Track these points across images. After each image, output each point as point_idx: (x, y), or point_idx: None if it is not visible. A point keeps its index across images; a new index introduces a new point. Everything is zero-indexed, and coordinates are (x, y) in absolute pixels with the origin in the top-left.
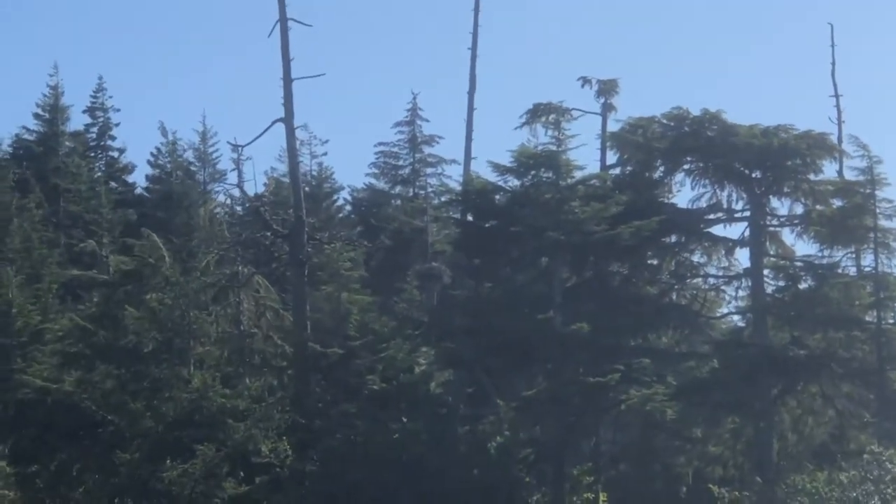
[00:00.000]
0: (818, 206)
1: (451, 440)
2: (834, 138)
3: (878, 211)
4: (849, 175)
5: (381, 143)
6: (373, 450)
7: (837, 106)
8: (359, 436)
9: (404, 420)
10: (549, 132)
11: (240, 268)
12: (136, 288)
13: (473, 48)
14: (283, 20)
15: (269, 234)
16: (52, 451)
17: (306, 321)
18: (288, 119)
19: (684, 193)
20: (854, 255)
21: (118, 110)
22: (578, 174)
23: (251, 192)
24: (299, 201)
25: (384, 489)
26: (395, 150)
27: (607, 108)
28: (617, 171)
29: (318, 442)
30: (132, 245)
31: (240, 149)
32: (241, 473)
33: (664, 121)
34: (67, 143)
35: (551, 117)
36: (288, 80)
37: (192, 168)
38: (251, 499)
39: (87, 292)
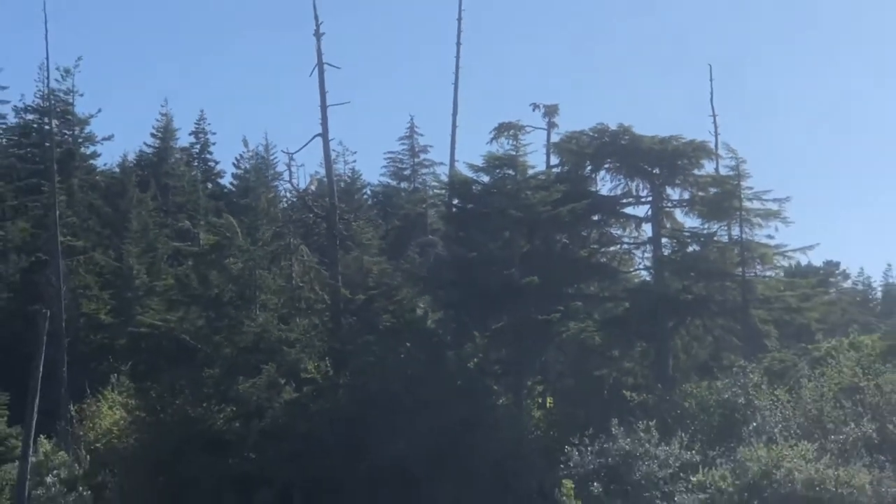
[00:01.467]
0: (700, 193)
1: (442, 361)
2: (712, 145)
3: (742, 196)
4: (722, 170)
5: (389, 152)
6: (386, 368)
7: (714, 122)
8: (376, 358)
9: (408, 345)
10: (510, 142)
11: (291, 240)
12: (218, 254)
13: (456, 82)
14: (321, 64)
15: (311, 215)
16: (160, 370)
17: (338, 277)
18: (325, 134)
19: (605, 185)
20: (726, 228)
21: (214, 133)
22: (531, 171)
23: (301, 187)
24: (333, 193)
25: (394, 395)
26: (400, 156)
27: (551, 125)
28: (558, 169)
29: (348, 362)
30: (216, 224)
31: (290, 155)
32: (293, 384)
33: (591, 133)
34: (176, 155)
35: (511, 132)
36: (324, 107)
37: (262, 168)
38: (300, 403)
39: (184, 258)
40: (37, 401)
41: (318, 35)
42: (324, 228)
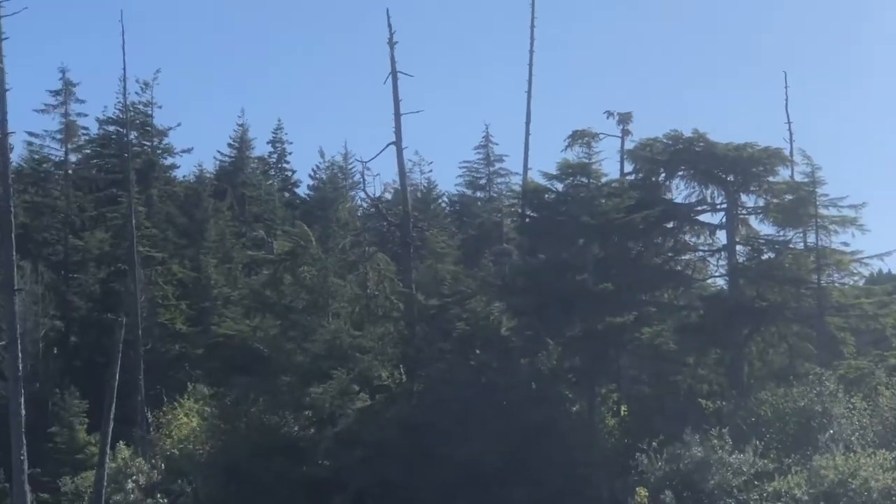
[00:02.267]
0: (775, 200)
1: (515, 368)
2: (787, 151)
3: (818, 203)
4: (798, 177)
5: (465, 161)
6: (459, 375)
7: (790, 129)
8: (449, 365)
9: (479, 352)
10: (583, 150)
11: (367, 248)
12: (292, 263)
13: (529, 90)
14: (394, 72)
15: (385, 223)
16: (235, 378)
17: (412, 284)
18: (398, 143)
19: (680, 192)
20: (801, 234)
21: (291, 143)
22: (604, 179)
23: (376, 196)
24: (406, 201)
25: (467, 402)
26: (476, 165)
27: (624, 133)
28: (632, 177)
29: (420, 369)
30: (290, 233)
31: (364, 164)
32: (367, 391)
33: (665, 140)
34: (252, 165)
35: (585, 140)
36: (398, 115)
37: (339, 178)
38: (373, 410)
39: (259, 267)
40: (112, 408)
41: (391, 44)
42: (398, 236)
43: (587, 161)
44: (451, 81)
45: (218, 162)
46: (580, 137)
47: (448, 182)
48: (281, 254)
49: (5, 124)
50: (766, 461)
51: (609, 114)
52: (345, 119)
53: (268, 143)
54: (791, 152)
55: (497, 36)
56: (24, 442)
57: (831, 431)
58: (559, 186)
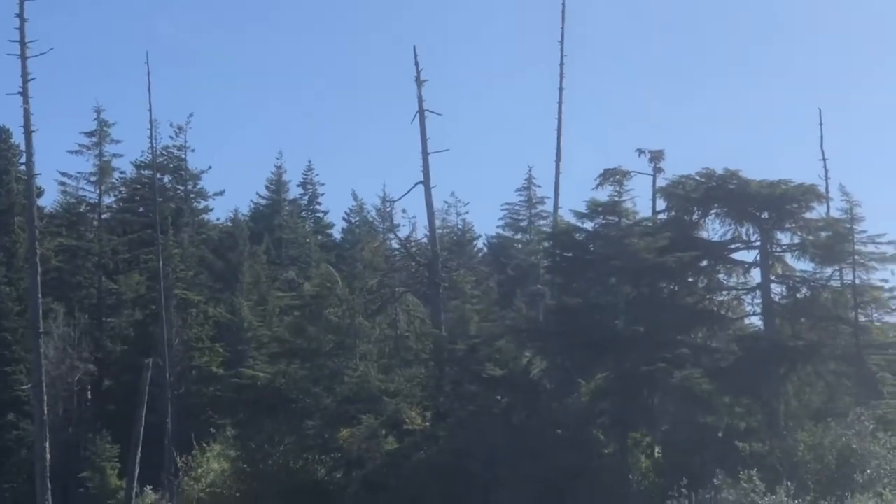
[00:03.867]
0: (811, 237)
1: (545, 411)
2: (822, 188)
3: (855, 239)
4: (834, 214)
5: (507, 203)
6: (487, 418)
7: (825, 166)
8: (478, 408)
9: (509, 396)
10: (614, 188)
11: (396, 289)
12: (317, 305)
13: (559, 129)
14: (421, 111)
15: (413, 263)
16: (262, 421)
17: (441, 326)
18: (426, 182)
19: (713, 230)
20: (838, 272)
21: (323, 184)
22: (635, 218)
23: (406, 236)
24: (434, 241)
25: (494, 446)
26: (517, 208)
27: (656, 170)
28: (664, 215)
29: (448, 412)
30: (316, 275)
31: (392, 203)
32: (395, 434)
33: (697, 178)
34: (287, 208)
35: (616, 178)
36: (425, 153)
37: (372, 220)
38: (401, 454)
39: (292, 310)
40: (139, 452)
41: (418, 82)
42: (426, 276)
43: (618, 199)
44: (489, 122)
45: (253, 204)
46: (611, 176)
47: (490, 224)
48: (306, 296)
49: (32, 165)
50: (799, 502)
51: (641, 151)
52: (382, 160)
53: (298, 185)
54: (826, 189)
55: (528, 74)
56: (49, 486)
57: (868, 472)
58: (589, 226)
